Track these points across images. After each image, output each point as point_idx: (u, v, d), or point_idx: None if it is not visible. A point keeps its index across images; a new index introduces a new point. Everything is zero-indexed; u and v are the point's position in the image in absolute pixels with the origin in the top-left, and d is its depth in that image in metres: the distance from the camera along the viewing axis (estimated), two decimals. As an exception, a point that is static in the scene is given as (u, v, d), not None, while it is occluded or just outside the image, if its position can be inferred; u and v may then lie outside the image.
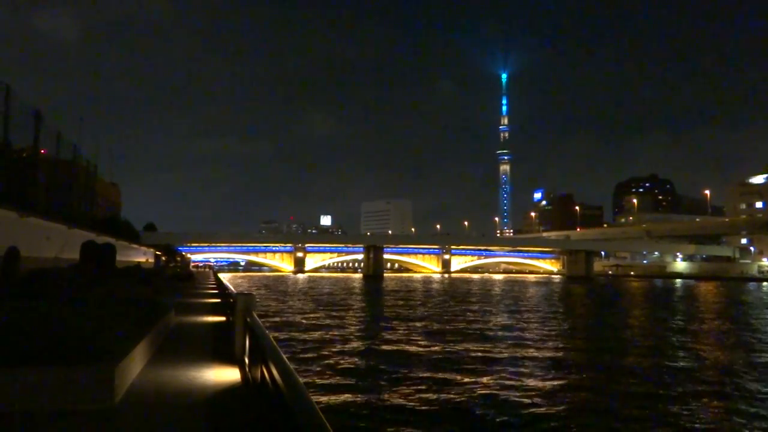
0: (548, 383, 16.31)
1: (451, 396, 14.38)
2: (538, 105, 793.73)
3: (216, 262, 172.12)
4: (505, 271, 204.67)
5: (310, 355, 20.52)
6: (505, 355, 21.44)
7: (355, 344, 23.78)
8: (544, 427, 11.94)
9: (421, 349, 22.59)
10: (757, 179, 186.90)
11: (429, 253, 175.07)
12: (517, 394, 14.83)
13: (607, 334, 29.16)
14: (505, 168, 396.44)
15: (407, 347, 22.90)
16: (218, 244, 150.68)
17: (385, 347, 22.89)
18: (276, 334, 25.57)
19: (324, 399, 13.57)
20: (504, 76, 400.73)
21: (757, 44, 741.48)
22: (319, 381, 15.85)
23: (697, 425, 12.26)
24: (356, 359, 19.92)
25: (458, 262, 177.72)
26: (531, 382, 16.33)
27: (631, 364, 20.14)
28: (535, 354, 21.68)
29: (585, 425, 12.22)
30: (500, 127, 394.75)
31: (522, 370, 18.31)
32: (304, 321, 32.56)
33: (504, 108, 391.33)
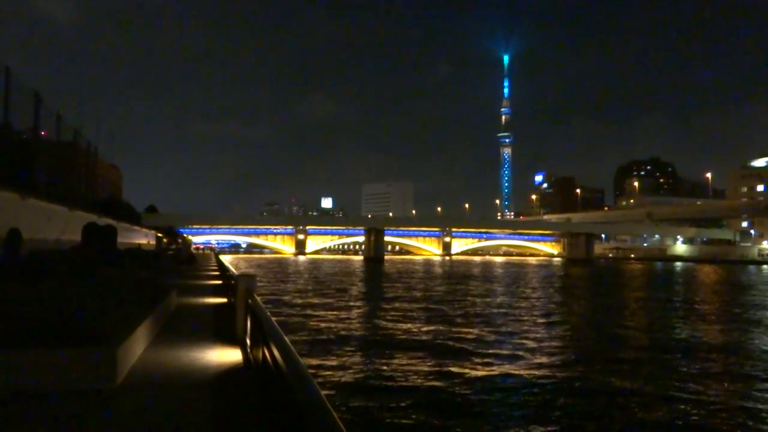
0: (548, 366, 16.43)
1: (450, 378, 14.49)
2: (539, 87, 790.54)
3: (217, 244, 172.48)
4: (505, 254, 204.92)
5: (310, 335, 20.62)
6: (506, 336, 21.55)
7: (355, 324, 23.90)
8: (544, 412, 12.05)
9: (421, 329, 22.69)
10: (759, 162, 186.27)
11: (430, 236, 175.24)
12: (517, 377, 14.95)
13: (606, 315, 29.25)
14: (506, 150, 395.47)
15: (408, 327, 22.98)
16: (220, 226, 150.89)
17: (385, 327, 22.98)
18: (276, 310, 25.73)
19: (325, 379, 13.68)
20: (506, 58, 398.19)
21: (759, 25, 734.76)
22: (319, 361, 15.95)
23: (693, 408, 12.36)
24: (357, 339, 20.02)
25: (459, 245, 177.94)
26: (530, 365, 16.45)
27: (633, 344, 20.26)
28: (535, 336, 21.79)
29: (584, 408, 12.33)
30: (501, 109, 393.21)
31: (522, 354, 18.42)
32: (305, 302, 32.68)
33: (506, 90, 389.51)
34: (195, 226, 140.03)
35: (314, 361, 15.84)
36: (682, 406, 12.23)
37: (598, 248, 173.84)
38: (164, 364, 7.02)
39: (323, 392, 2.71)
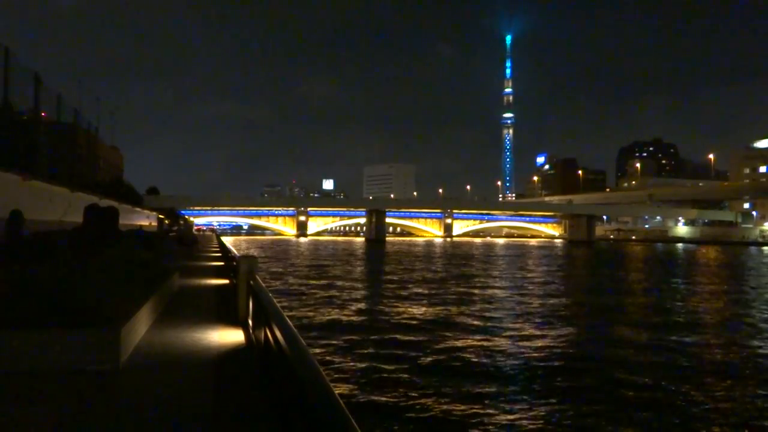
0: (548, 349, 16.52)
1: (452, 357, 14.57)
2: (542, 68, 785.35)
3: (219, 225, 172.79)
4: (506, 236, 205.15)
5: (312, 316, 20.69)
6: (507, 319, 21.64)
7: (358, 306, 23.93)
8: (544, 394, 12.12)
9: (423, 310, 22.75)
10: (762, 143, 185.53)
11: (431, 217, 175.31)
12: (517, 359, 15.04)
13: (605, 296, 29.32)
14: (508, 132, 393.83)
15: (409, 309, 23.04)
16: (221, 208, 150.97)
17: (386, 309, 23.03)
18: (279, 286, 25.84)
19: (327, 360, 13.75)
20: (508, 38, 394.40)
21: (764, 5, 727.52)
22: (322, 342, 16.01)
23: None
24: (359, 321, 20.08)
25: (460, 227, 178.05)
26: (530, 347, 16.55)
27: (632, 324, 20.35)
28: (535, 314, 21.86)
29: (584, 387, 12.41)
30: (504, 90, 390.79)
31: (523, 335, 18.51)
32: (308, 283, 32.76)
33: (508, 71, 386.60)
34: (196, 208, 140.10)
35: (316, 343, 15.91)
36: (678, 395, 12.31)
37: (600, 230, 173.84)
38: (167, 345, 7.06)
39: (325, 373, 2.72)
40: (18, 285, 6.31)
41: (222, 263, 21.13)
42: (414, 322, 20.08)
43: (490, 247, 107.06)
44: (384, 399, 11.00)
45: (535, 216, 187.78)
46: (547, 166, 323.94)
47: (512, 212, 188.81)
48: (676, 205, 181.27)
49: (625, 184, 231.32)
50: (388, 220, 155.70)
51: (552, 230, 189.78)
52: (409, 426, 9.67)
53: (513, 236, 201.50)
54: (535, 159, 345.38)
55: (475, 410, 10.49)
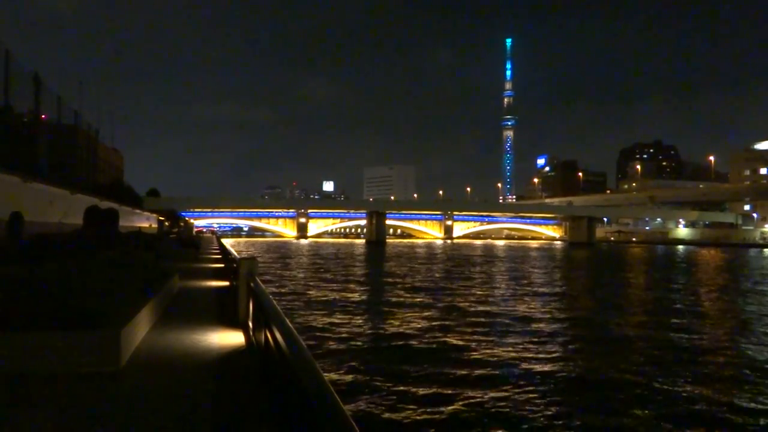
0: (550, 363, 16.50)
1: (453, 359, 14.55)
2: (542, 70, 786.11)
3: (219, 227, 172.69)
4: (507, 237, 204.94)
5: (313, 318, 20.66)
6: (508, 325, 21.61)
7: (358, 307, 23.91)
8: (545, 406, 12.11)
9: (422, 311, 22.72)
10: (762, 145, 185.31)
11: (431, 219, 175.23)
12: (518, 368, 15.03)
13: (607, 296, 29.31)
14: (508, 134, 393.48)
15: (409, 310, 23.01)
16: (221, 210, 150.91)
17: (387, 309, 22.99)
18: (279, 288, 25.80)
19: (327, 361, 13.73)
20: (508, 41, 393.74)
21: (764, 6, 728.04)
22: (322, 344, 15.99)
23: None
24: (359, 322, 20.04)
25: (461, 228, 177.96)
26: (533, 353, 16.53)
27: (632, 328, 20.33)
28: (536, 315, 21.84)
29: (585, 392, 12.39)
30: (504, 92, 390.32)
31: (525, 342, 18.49)
32: (308, 285, 32.73)
33: (508, 73, 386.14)
34: (197, 210, 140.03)
35: (317, 345, 15.89)
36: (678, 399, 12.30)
37: (600, 232, 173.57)
38: (167, 347, 7.06)
39: (326, 376, 2.72)
40: (18, 287, 6.30)
41: (222, 265, 21.11)
42: (414, 323, 20.06)
43: (490, 249, 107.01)
44: (384, 399, 10.99)
45: (536, 218, 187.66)
46: (547, 168, 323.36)
47: (513, 214, 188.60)
48: (676, 206, 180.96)
49: (626, 186, 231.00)
50: (388, 221, 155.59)
51: (552, 232, 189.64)
52: (408, 428, 9.66)
53: (513, 238, 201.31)
54: (536, 161, 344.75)
55: (474, 412, 10.49)
